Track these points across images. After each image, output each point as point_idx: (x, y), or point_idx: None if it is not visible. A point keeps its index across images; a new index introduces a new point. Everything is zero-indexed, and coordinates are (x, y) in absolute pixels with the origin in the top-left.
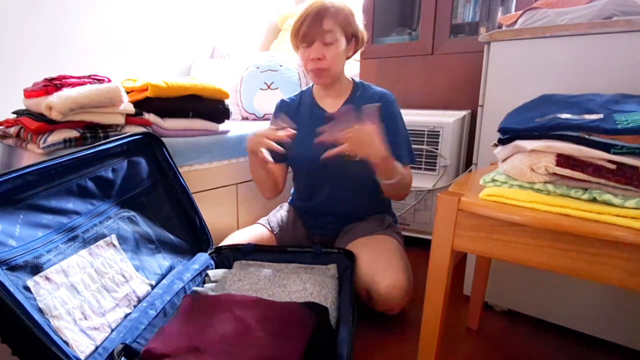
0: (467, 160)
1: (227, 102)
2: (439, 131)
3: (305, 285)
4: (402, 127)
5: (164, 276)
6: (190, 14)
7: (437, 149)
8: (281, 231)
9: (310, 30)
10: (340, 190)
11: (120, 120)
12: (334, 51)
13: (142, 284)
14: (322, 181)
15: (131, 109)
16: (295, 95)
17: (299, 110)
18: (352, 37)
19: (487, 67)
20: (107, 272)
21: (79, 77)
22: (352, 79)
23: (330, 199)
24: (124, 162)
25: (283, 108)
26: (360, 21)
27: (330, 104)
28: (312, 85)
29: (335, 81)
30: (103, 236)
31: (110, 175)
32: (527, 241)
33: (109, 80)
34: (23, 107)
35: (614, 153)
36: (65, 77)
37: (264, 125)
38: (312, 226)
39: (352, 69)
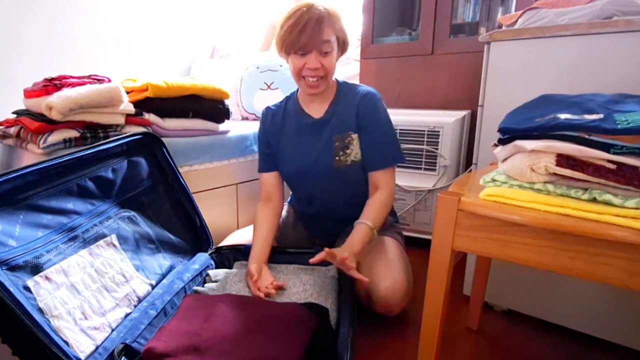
0: (467, 160)
1: (227, 102)
2: (439, 131)
3: (305, 286)
4: (387, 126)
5: (164, 276)
6: (190, 14)
7: (437, 149)
8: (281, 233)
9: (310, 40)
10: (335, 196)
11: (120, 120)
12: (330, 60)
13: (143, 284)
14: (315, 189)
15: (131, 109)
16: (280, 102)
17: (284, 118)
18: (342, 43)
19: (487, 67)
20: (107, 272)
21: (79, 77)
22: (336, 79)
23: (327, 205)
24: (124, 162)
25: (269, 116)
26: (346, 24)
27: (316, 109)
28: (297, 90)
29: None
30: (103, 236)
31: (110, 175)
32: (527, 241)
33: (109, 80)
34: (23, 107)
35: (614, 153)
36: (65, 77)
37: None
38: (313, 229)
39: (352, 69)
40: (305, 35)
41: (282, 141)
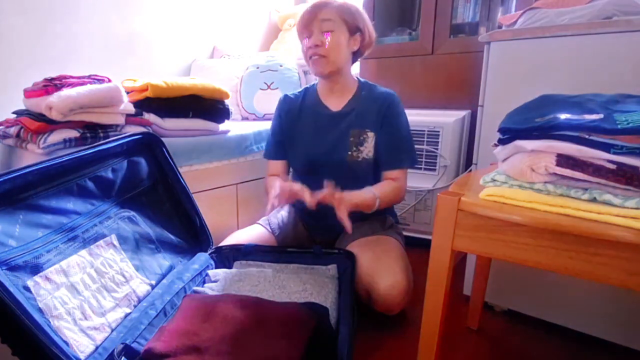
0: (467, 160)
1: (227, 102)
2: (439, 131)
3: (306, 285)
4: (405, 129)
5: (164, 276)
6: (190, 14)
7: (437, 149)
8: (281, 232)
9: (309, 18)
10: (340, 190)
11: (120, 120)
12: (333, 40)
13: (142, 284)
14: (322, 181)
15: (131, 109)
16: (299, 92)
17: (302, 108)
18: (357, 31)
19: (487, 67)
20: (107, 272)
21: (79, 77)
22: (358, 78)
23: None
24: (124, 162)
25: (286, 104)
26: (368, 20)
27: (335, 102)
28: (317, 83)
29: (336, 74)
30: (103, 236)
31: (110, 175)
32: (527, 241)
33: (109, 80)
34: (23, 107)
35: (614, 153)
36: (65, 77)
37: (265, 125)
38: (313, 227)
39: (352, 69)
40: (307, 15)
41: (298, 128)
